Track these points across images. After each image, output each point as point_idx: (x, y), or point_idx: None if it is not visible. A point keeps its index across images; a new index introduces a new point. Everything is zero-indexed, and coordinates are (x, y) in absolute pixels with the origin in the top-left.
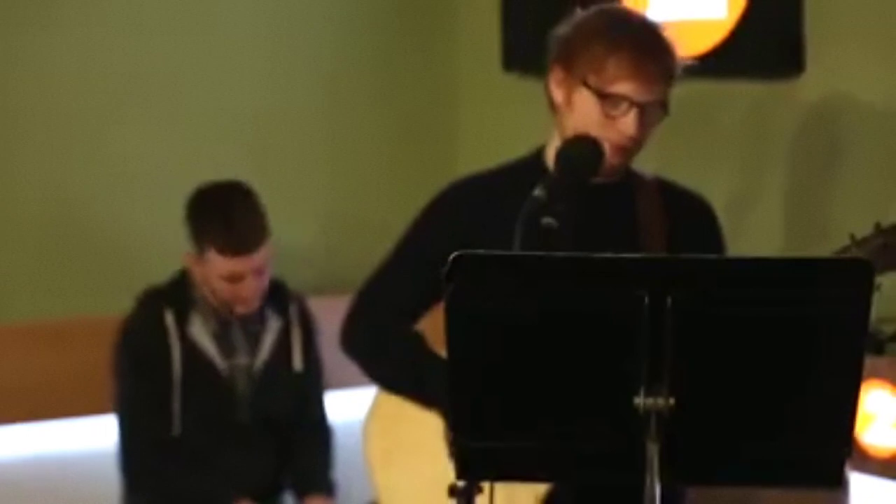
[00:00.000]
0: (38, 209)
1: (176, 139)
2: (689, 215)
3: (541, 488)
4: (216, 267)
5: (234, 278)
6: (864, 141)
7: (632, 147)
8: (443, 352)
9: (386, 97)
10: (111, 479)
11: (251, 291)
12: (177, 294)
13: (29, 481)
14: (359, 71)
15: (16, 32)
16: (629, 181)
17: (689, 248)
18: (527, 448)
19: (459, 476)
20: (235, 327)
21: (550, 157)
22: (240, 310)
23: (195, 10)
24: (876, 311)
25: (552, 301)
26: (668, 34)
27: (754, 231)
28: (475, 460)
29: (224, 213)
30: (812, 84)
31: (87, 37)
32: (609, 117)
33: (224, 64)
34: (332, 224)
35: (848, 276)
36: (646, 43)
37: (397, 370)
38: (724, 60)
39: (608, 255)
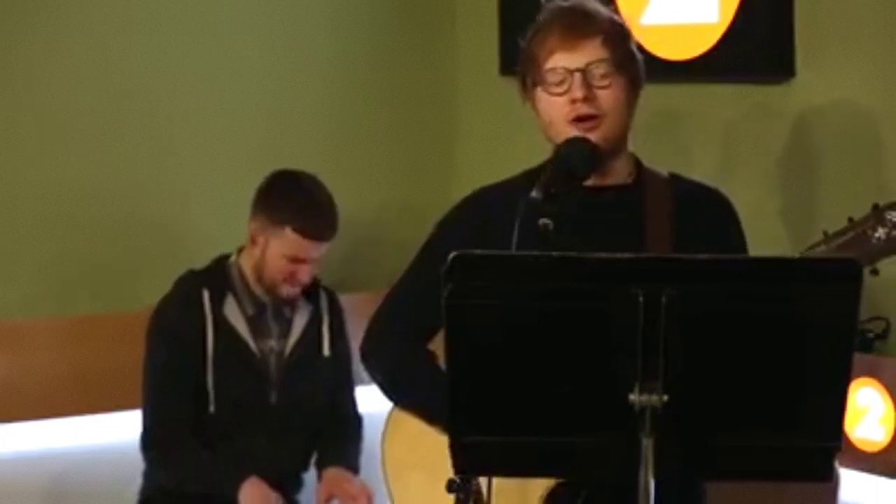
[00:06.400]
0: (42, 208)
1: (176, 139)
2: (701, 210)
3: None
4: (286, 245)
5: (298, 260)
6: (854, 145)
7: (594, 114)
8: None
9: (386, 98)
10: (124, 476)
11: (307, 276)
12: (215, 277)
13: (42, 478)
14: (359, 71)
15: (19, 32)
16: (640, 181)
17: (699, 243)
18: (523, 444)
19: (457, 472)
20: (269, 312)
21: None
22: (286, 291)
23: (196, 10)
24: (864, 310)
25: (548, 300)
26: (593, 2)
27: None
28: (472, 456)
29: (311, 197)
30: (803, 89)
31: (90, 37)
32: (556, 95)
33: (224, 64)
34: None
35: (837, 275)
36: (565, 16)
37: (411, 393)
38: (716, 64)
39: (603, 255)
